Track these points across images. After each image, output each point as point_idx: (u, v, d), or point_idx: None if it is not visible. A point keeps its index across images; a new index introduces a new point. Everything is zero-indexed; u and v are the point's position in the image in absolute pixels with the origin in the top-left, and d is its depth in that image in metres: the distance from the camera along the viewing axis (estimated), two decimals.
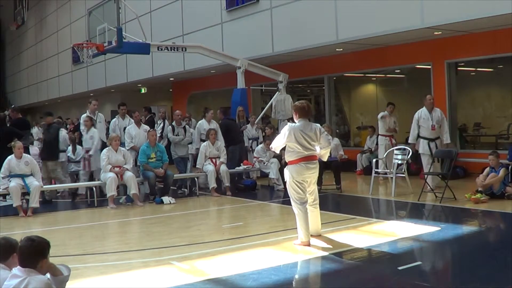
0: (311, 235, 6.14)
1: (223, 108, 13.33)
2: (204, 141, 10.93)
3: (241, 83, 13.18)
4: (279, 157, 11.15)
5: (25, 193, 8.96)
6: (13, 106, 20.43)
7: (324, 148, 6.23)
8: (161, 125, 12.59)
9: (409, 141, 10.28)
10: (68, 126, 17.85)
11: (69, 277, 3.67)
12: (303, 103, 6.22)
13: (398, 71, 14.66)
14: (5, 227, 7.47)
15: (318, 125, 6.29)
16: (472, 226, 7.35)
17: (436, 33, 11.15)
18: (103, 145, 10.30)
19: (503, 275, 4.86)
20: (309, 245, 5.95)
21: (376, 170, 10.20)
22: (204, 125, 11.48)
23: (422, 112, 10.04)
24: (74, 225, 8.24)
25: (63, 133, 11.94)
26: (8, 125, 11.60)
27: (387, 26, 10.97)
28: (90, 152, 10.65)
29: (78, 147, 12.00)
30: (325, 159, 6.47)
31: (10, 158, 8.93)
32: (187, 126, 11.71)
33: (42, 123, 12.93)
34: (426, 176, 9.46)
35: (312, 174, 6.17)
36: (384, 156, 10.79)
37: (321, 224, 6.46)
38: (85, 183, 10.46)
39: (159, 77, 18.59)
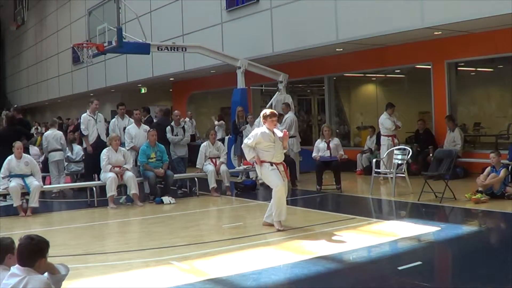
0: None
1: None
2: None
3: (241, 83, 13.17)
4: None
5: (25, 193, 8.95)
6: (16, 106, 20.41)
7: None
8: None
9: None
10: (65, 125, 17.88)
11: (66, 276, 3.64)
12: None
13: (398, 71, 14.65)
14: (5, 227, 7.47)
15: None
16: (472, 226, 7.35)
17: (436, 33, 11.14)
18: (103, 145, 10.27)
19: (503, 275, 4.85)
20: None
21: (376, 170, 10.19)
22: None
23: None
24: (74, 225, 8.24)
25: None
26: None
27: (387, 26, 10.96)
28: None
29: (78, 146, 12.01)
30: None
31: (10, 158, 8.92)
32: (186, 126, 11.67)
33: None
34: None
35: None
36: (385, 156, 10.78)
37: (322, 224, 6.84)
38: (86, 183, 10.44)
39: (159, 77, 18.58)
